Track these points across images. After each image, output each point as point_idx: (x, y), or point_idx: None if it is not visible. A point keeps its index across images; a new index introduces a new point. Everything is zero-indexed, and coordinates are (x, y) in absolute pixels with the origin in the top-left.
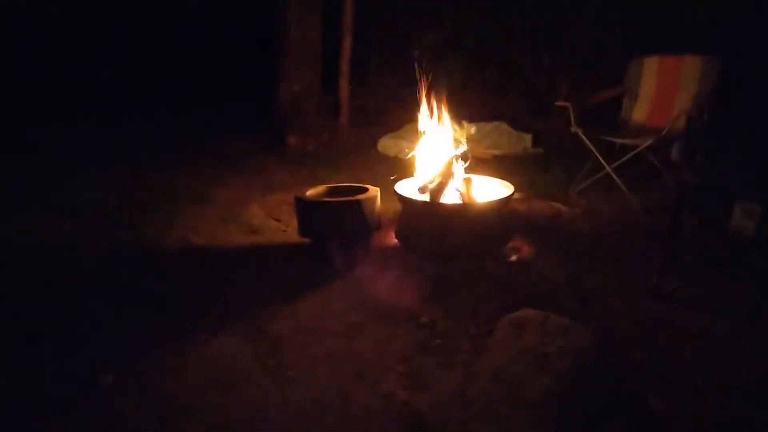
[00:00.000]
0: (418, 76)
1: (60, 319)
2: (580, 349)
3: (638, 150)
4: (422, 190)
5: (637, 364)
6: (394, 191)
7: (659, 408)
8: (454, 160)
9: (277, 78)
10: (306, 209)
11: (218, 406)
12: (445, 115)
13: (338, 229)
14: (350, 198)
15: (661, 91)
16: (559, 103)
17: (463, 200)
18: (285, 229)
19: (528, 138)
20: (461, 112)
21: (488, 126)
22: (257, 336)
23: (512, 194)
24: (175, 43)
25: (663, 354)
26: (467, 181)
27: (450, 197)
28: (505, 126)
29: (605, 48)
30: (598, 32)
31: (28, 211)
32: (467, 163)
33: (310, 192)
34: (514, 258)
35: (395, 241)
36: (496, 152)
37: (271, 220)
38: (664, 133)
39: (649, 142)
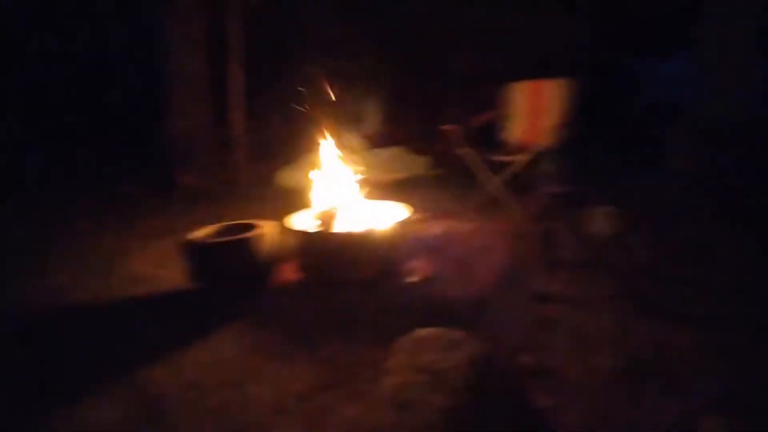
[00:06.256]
0: (307, 108)
1: None
2: (471, 360)
3: (516, 166)
4: (318, 220)
5: (526, 365)
6: (285, 225)
7: (546, 403)
8: (347, 188)
9: (162, 114)
10: (193, 252)
11: None
12: (337, 145)
13: (229, 271)
14: (238, 236)
15: (531, 112)
16: (443, 128)
17: (357, 227)
18: (173, 275)
19: (426, 161)
20: (360, 140)
21: (388, 151)
22: (138, 400)
23: (409, 217)
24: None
25: (547, 352)
26: (363, 207)
27: (346, 225)
28: (403, 151)
29: (488, 75)
30: (481, 60)
31: None
32: (364, 190)
33: (200, 233)
34: (414, 279)
35: (294, 275)
36: (397, 176)
37: (159, 267)
38: (535, 149)
39: (524, 158)
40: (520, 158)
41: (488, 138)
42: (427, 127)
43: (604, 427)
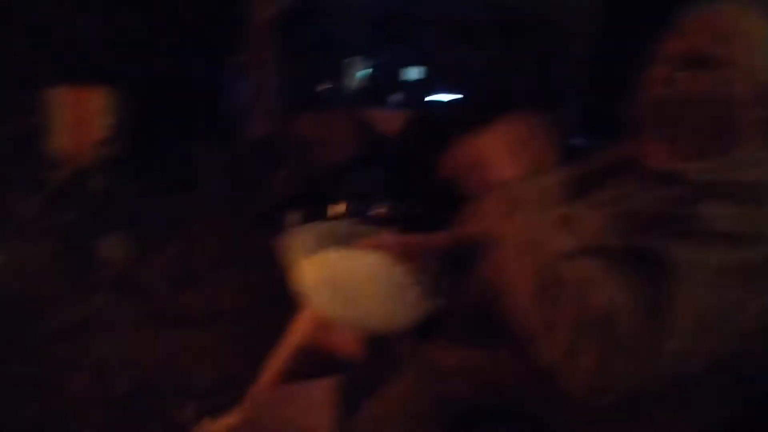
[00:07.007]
0: None
1: None
2: None
3: (56, 181)
4: None
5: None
6: None
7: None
8: None
9: None
10: None
11: None
12: None
13: None
14: None
15: (75, 122)
16: None
17: None
18: None
19: None
20: None
21: None
22: None
23: None
24: None
25: (59, 395)
26: None
27: None
28: None
29: (25, 75)
30: (16, 57)
31: None
32: None
33: None
34: None
35: None
36: None
37: None
38: (79, 164)
39: (65, 173)
40: (61, 173)
41: (26, 148)
42: None
43: None
